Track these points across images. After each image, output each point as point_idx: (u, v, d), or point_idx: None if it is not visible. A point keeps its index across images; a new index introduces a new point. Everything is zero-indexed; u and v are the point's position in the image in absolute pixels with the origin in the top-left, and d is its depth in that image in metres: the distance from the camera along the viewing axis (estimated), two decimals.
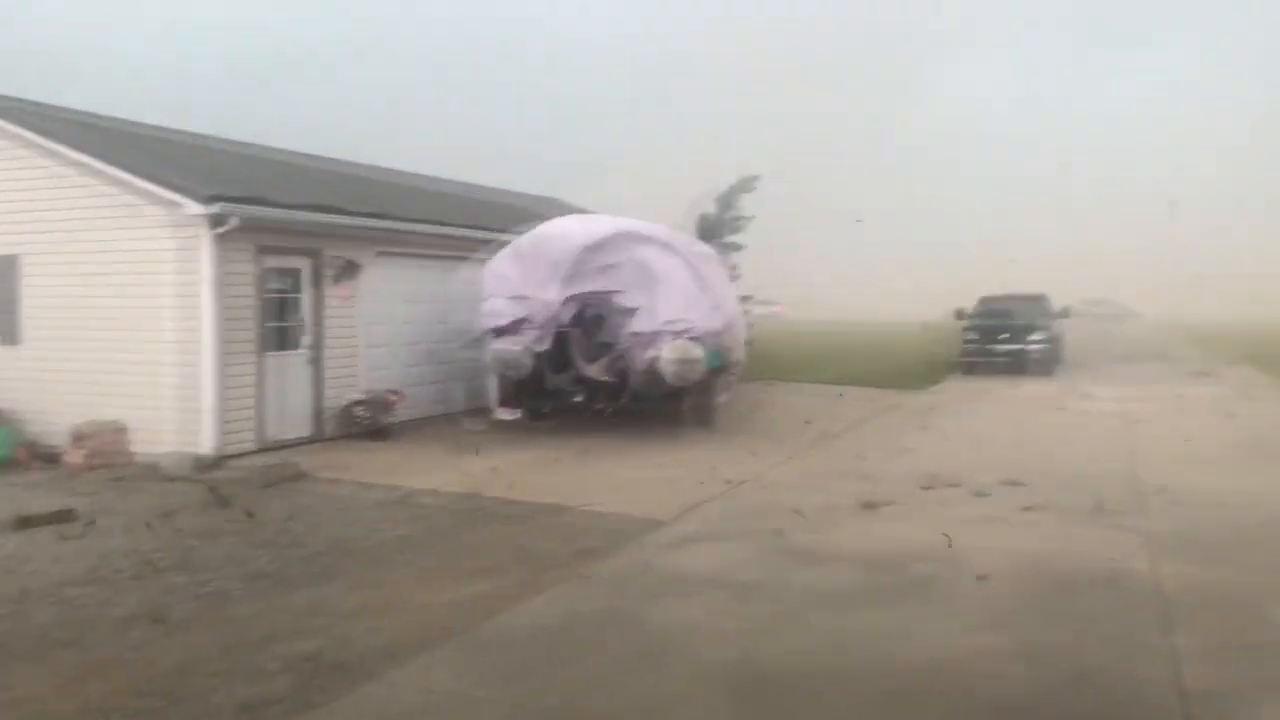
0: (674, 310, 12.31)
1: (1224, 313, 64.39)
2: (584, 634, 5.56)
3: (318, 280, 12.18)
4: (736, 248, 22.98)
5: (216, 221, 10.55)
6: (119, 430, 11.03)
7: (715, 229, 22.43)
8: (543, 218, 16.60)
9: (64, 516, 8.31)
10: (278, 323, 11.73)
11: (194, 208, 10.52)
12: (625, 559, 7.08)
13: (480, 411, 14.58)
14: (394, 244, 13.33)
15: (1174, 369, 25.02)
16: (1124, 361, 27.79)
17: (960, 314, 25.56)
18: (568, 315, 12.82)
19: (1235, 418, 14.80)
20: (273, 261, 11.61)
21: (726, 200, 23.79)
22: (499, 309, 12.82)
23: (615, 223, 13.51)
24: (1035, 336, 23.31)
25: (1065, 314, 25.58)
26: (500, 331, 12.76)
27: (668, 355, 12.11)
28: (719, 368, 13.18)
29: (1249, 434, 13.17)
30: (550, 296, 12.68)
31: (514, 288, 12.83)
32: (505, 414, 12.95)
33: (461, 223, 15.02)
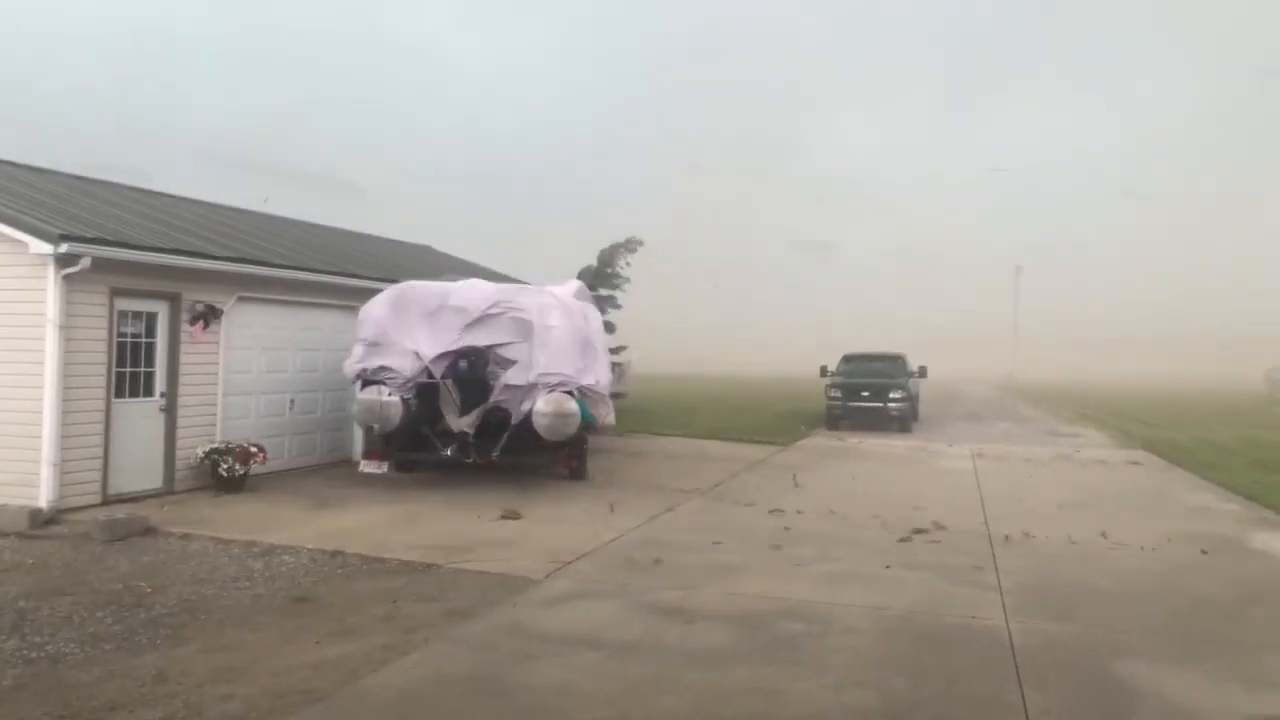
0: (549, 364, 12.30)
1: (1061, 375, 68.84)
2: (452, 698, 5.41)
3: (174, 325, 11.64)
4: (614, 304, 23.22)
5: (65, 261, 9.98)
6: None
7: (593, 284, 22.67)
8: (418, 266, 16.42)
9: None
10: (130, 368, 11.13)
11: (40, 246, 9.93)
12: (496, 618, 6.94)
13: (345, 464, 14.17)
14: (258, 289, 12.88)
15: (1021, 428, 26.49)
16: (972, 420, 29.25)
17: (824, 371, 26.46)
18: (441, 367, 12.64)
19: (1078, 473, 15.74)
20: (127, 304, 11.04)
21: (607, 257, 24.10)
22: (367, 358, 12.56)
23: (492, 285, 13.48)
24: (894, 395, 24.32)
25: (922, 373, 26.82)
26: (367, 381, 12.48)
27: (542, 408, 12.06)
28: (591, 421, 13.20)
29: (1091, 490, 14.01)
30: (422, 348, 12.51)
31: (385, 337, 12.60)
32: (371, 467, 12.58)
33: (331, 269, 14.66)
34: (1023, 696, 5.51)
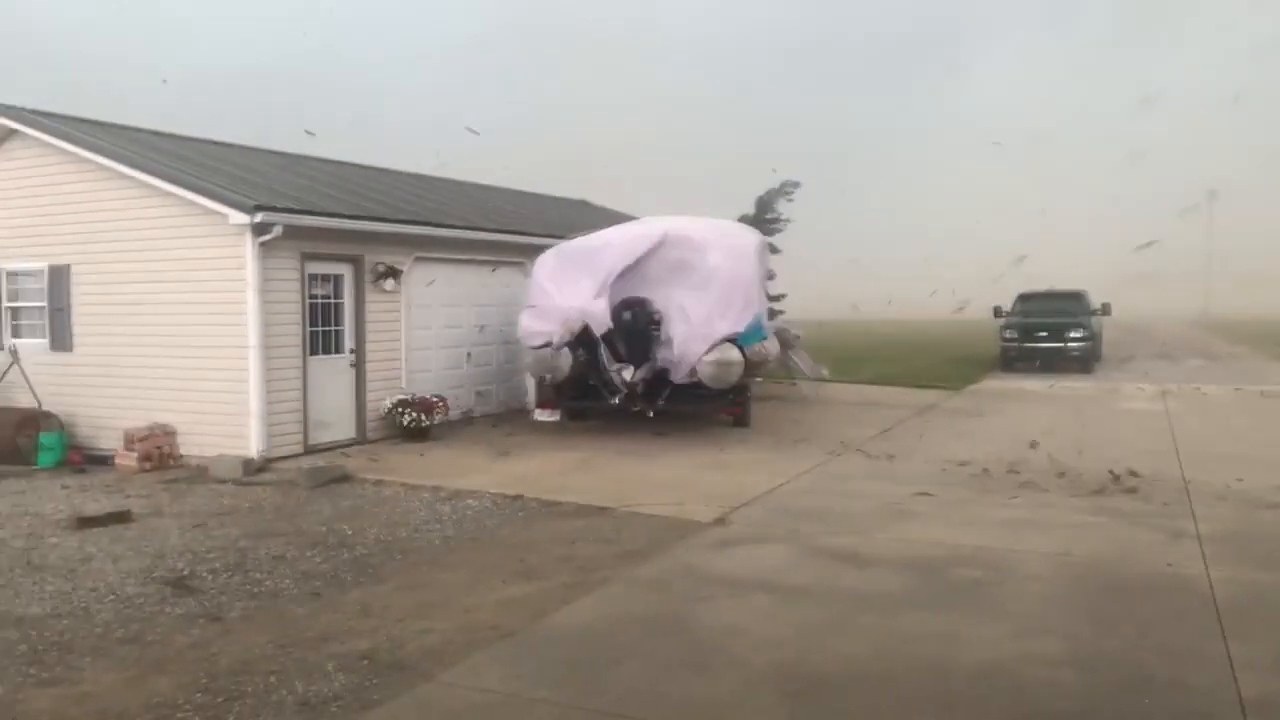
0: (712, 313, 12.34)
1: (1263, 310, 63.36)
2: (632, 636, 5.62)
3: (359, 285, 12.36)
4: (774, 250, 22.90)
5: (260, 230, 10.74)
6: (169, 433, 11.26)
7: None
8: (576, 220, 16.74)
9: (120, 517, 8.52)
10: (321, 327, 11.92)
11: (239, 217, 10.71)
12: (669, 561, 7.13)
13: (520, 413, 14.74)
14: (433, 249, 13.48)
15: (1217, 366, 24.65)
16: (1162, 359, 27.44)
17: (999, 311, 25.37)
18: (607, 319, 12.89)
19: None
20: (315, 268, 11.79)
21: (765, 203, 23.70)
22: (539, 312, 12.96)
23: (656, 226, 13.58)
24: (1075, 334, 23.09)
25: (1105, 310, 25.30)
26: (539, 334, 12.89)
27: (706, 357, 12.14)
28: (756, 369, 13.20)
29: None
30: (590, 302, 12.78)
31: (554, 292, 12.95)
32: (544, 416, 13.08)
33: (499, 227, 15.16)
34: (1226, 648, 5.22)
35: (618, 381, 12.79)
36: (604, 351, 12.94)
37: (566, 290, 12.91)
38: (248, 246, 10.85)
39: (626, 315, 13.27)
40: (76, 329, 12.23)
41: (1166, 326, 50.01)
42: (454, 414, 13.43)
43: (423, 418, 12.41)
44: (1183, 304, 67.40)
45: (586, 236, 13.69)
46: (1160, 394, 17.87)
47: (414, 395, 12.63)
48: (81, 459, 11.55)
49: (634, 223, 14.47)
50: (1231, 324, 53.34)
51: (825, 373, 15.97)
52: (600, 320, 12.78)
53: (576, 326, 12.57)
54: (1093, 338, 23.90)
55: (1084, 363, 23.05)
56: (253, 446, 10.88)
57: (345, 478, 10.27)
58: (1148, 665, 5.05)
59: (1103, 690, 4.78)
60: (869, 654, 5.29)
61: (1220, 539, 7.49)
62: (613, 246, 13.10)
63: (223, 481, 10.29)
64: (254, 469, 10.65)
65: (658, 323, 12.74)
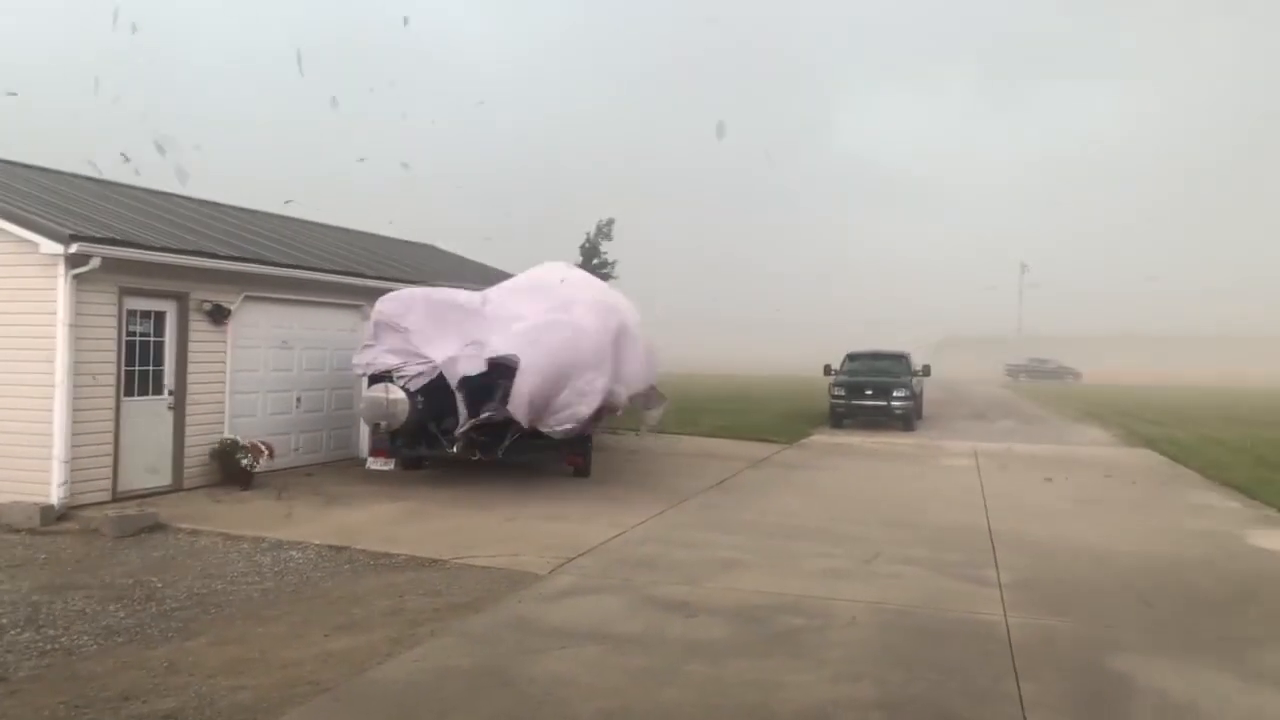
0: (575, 366, 12.36)
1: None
2: (458, 690, 5.51)
3: (183, 324, 11.77)
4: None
5: (76, 262, 10.10)
6: None
7: None
8: (424, 265, 16.53)
9: None
10: (139, 366, 11.25)
11: (51, 246, 10.05)
12: (501, 613, 7.05)
13: (352, 461, 14.29)
14: (265, 287, 13.00)
15: (1025, 426, 26.52)
16: (976, 418, 29.29)
17: (828, 370, 26.54)
18: (456, 377, 12.68)
19: (1080, 471, 15.80)
20: (136, 304, 11.17)
21: (591, 249, 24.09)
22: (375, 358, 12.65)
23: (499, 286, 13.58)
24: (898, 393, 24.38)
25: (925, 372, 26.87)
26: (375, 379, 12.58)
27: (558, 410, 12.14)
28: (597, 420, 13.29)
29: (1092, 487, 14.07)
30: (428, 348, 12.58)
31: (391, 337, 12.69)
32: (378, 465, 12.69)
33: (336, 268, 14.78)
34: (1018, 688, 5.60)
35: (462, 425, 12.58)
36: (446, 398, 12.72)
37: (422, 337, 12.58)
38: (60, 278, 10.18)
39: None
40: None
41: (981, 388, 53.41)
42: (281, 461, 12.89)
43: (247, 464, 11.84)
44: (995, 367, 72.46)
45: (453, 294, 13.34)
46: (972, 452, 19.05)
47: (237, 440, 12.06)
48: None
49: (508, 299, 14.17)
50: (1039, 386, 57.57)
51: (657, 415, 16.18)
52: (450, 372, 12.58)
53: (425, 376, 12.33)
54: (914, 397, 25.32)
55: (906, 421, 24.36)
56: (53, 492, 10.10)
57: (158, 526, 9.67)
58: (949, 706, 5.35)
59: None
60: (695, 701, 5.38)
61: (1019, 586, 8.05)
62: (457, 292, 12.98)
63: (16, 530, 9.50)
64: (54, 517, 9.88)
65: (501, 371, 12.63)
